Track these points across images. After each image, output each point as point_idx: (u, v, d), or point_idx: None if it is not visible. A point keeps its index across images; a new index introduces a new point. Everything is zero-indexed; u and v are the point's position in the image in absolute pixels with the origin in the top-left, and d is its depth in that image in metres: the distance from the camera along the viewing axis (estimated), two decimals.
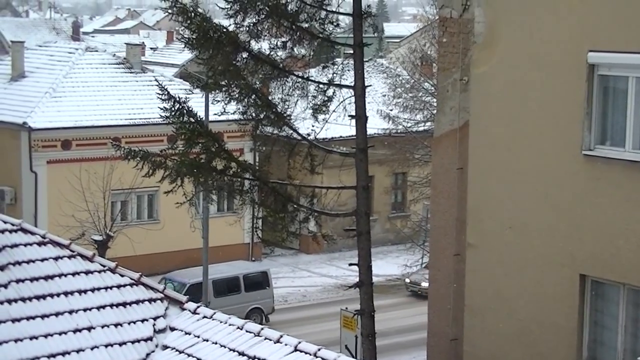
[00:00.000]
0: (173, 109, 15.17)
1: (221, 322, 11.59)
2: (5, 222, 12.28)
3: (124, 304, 11.89)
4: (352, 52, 15.20)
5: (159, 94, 15.14)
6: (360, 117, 15.13)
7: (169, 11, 15.13)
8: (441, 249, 15.79)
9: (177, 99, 15.19)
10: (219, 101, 15.56)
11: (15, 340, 10.90)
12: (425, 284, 33.92)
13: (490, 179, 14.78)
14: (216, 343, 11.22)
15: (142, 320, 11.77)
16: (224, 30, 14.96)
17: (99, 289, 11.95)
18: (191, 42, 15.08)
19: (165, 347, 11.52)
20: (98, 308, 11.69)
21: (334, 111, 16.13)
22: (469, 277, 15.13)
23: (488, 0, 14.72)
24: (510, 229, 14.53)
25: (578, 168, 13.61)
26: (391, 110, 37.92)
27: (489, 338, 14.88)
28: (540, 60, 14.02)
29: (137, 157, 15.11)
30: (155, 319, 11.83)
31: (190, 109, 15.27)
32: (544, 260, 14.10)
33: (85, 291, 11.84)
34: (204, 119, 23.02)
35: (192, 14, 14.86)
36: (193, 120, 15.17)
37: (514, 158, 14.44)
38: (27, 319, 11.19)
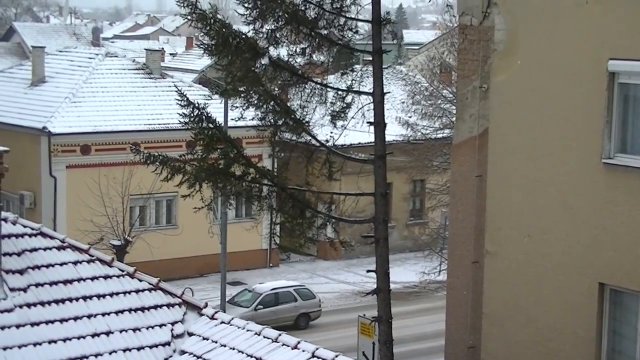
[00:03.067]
0: (192, 114, 15.20)
1: (239, 327, 11.62)
2: (25, 227, 12.36)
3: (142, 309, 11.93)
4: (371, 59, 15.19)
5: (178, 99, 15.18)
6: (379, 124, 15.11)
7: (189, 17, 15.17)
8: (459, 256, 15.75)
9: (196, 105, 15.23)
10: (237, 107, 15.59)
11: (34, 344, 10.96)
12: None
13: (509, 187, 14.74)
14: (234, 349, 11.25)
15: (160, 325, 11.81)
16: (243, 36, 14.99)
17: (117, 293, 12.00)
18: (210, 48, 15.11)
19: (183, 352, 11.55)
20: (116, 312, 11.74)
21: (352, 118, 16.12)
22: (487, 285, 15.08)
23: (508, 8, 14.69)
24: (529, 237, 14.48)
25: (598, 176, 13.55)
26: (410, 117, 37.90)
27: (506, 346, 14.82)
28: (560, 68, 13.98)
29: (157, 161, 15.15)
30: (173, 324, 11.87)
31: (209, 114, 15.30)
32: (562, 269, 14.04)
33: (103, 296, 11.89)
34: (222, 124, 23.06)
35: (212, 20, 14.89)
36: (212, 126, 15.20)
37: (533, 166, 14.40)
38: (46, 322, 11.25)
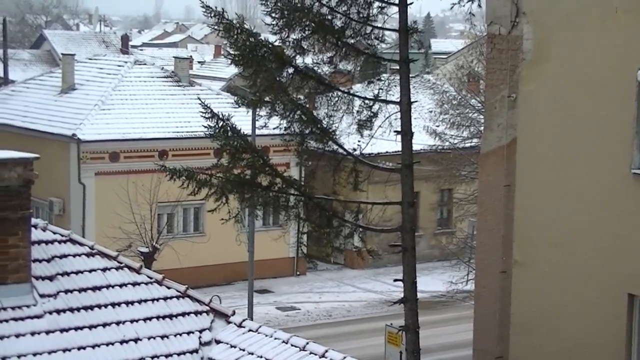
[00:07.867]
0: (216, 126, 15.23)
1: (267, 335, 11.63)
2: (54, 233, 12.43)
3: (170, 316, 11.97)
4: (398, 67, 15.20)
5: (202, 111, 15.20)
6: (406, 133, 15.11)
7: (216, 27, 15.23)
8: (487, 266, 15.71)
9: (220, 117, 15.23)
10: (263, 116, 15.64)
11: (64, 350, 11.03)
12: None
13: (537, 197, 14.69)
14: (261, 357, 11.25)
15: (188, 333, 11.84)
16: (270, 45, 15.04)
17: (145, 300, 12.04)
18: (236, 58, 15.16)
19: None
20: (145, 320, 11.78)
21: (379, 127, 16.14)
22: (515, 295, 15.03)
23: (537, 18, 14.66)
24: (557, 247, 14.41)
25: (627, 187, 13.48)
26: (438, 126, 37.82)
27: (534, 357, 14.75)
28: (589, 78, 13.93)
29: (182, 176, 15.16)
30: (201, 331, 11.90)
31: (234, 125, 15.32)
32: (591, 279, 13.96)
33: (132, 302, 11.94)
34: (250, 133, 23.08)
35: (238, 31, 14.94)
36: (237, 137, 15.23)
37: (561, 176, 14.34)
38: (75, 329, 11.31)
